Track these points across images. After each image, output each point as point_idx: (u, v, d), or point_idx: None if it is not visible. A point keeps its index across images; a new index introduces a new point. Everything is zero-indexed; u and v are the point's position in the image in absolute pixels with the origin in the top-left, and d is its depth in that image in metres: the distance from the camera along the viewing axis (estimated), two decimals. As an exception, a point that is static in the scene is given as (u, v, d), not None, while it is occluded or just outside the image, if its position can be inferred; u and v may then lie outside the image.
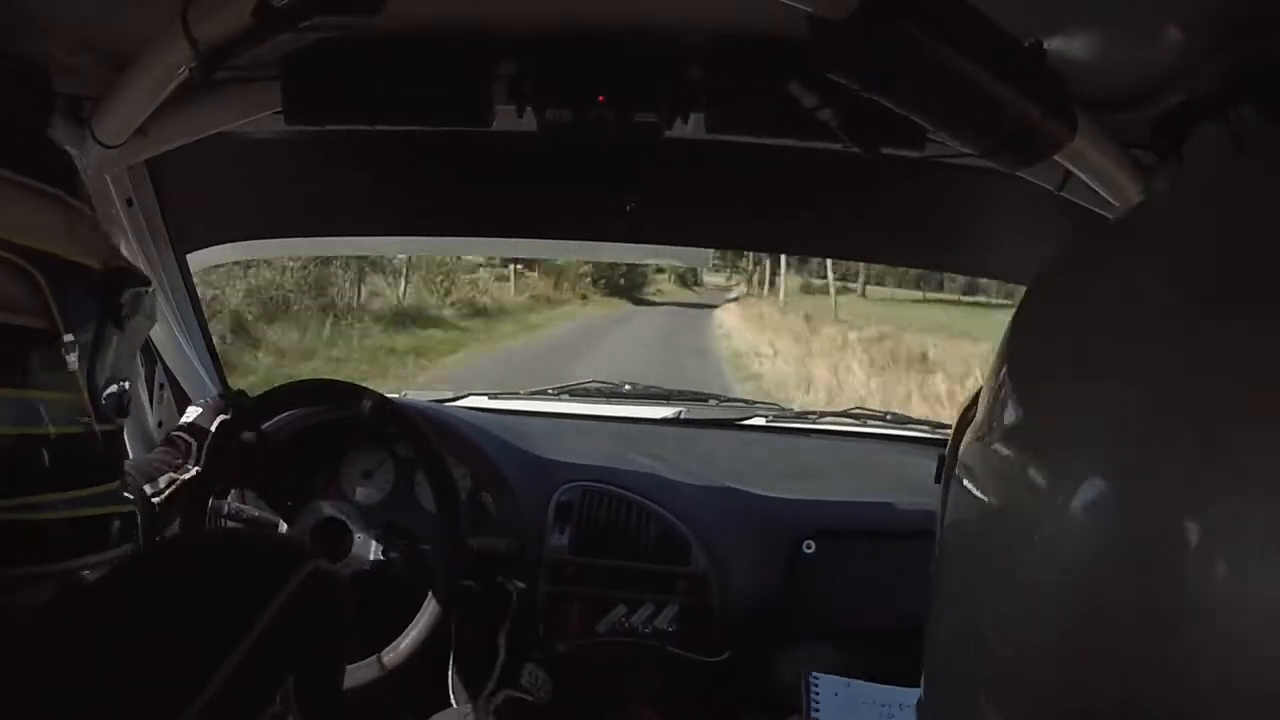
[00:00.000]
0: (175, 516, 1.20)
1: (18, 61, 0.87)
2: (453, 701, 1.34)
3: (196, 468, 1.23)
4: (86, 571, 0.63)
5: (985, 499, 0.46)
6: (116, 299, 0.66)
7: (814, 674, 1.20)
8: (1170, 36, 0.82)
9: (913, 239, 1.54)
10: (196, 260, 1.51)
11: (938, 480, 0.53)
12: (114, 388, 0.68)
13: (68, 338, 0.62)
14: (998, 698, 0.43)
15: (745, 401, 1.94)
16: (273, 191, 1.47)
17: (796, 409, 1.88)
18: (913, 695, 1.12)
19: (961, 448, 0.49)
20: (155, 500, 1.11)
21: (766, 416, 1.80)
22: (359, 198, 1.48)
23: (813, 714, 1.17)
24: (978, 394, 0.50)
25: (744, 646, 1.41)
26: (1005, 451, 0.45)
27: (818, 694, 1.20)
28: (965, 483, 0.47)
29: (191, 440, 1.26)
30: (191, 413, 1.32)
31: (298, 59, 1.04)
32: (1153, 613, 0.36)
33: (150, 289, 0.71)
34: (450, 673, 1.31)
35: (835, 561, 1.44)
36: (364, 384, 1.39)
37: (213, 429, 1.28)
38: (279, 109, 1.07)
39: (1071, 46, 0.86)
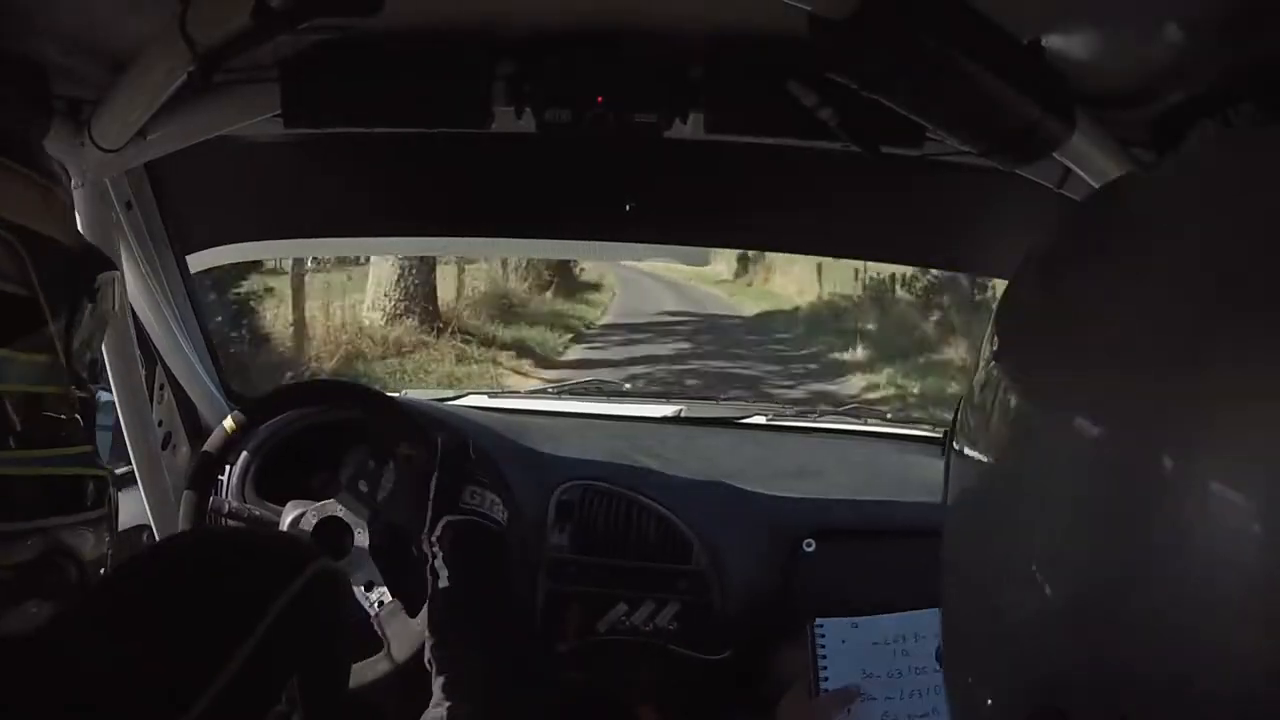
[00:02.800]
0: None
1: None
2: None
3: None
4: (64, 532, 0.65)
5: (980, 467, 0.47)
6: (90, 276, 0.70)
7: (819, 621, 1.15)
8: (1170, 35, 0.82)
9: (912, 238, 1.55)
10: (196, 260, 1.51)
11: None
12: (89, 356, 0.71)
13: (46, 305, 0.65)
14: (1011, 654, 0.45)
15: (745, 400, 1.94)
16: (272, 193, 1.47)
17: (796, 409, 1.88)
18: (925, 621, 1.09)
19: (957, 422, 0.51)
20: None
21: (767, 415, 1.80)
22: (359, 198, 1.48)
23: (820, 670, 1.12)
24: (956, 413, 0.52)
25: (745, 645, 1.41)
26: (998, 421, 0.46)
27: (824, 646, 1.13)
28: (965, 451, 0.49)
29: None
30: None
31: (297, 61, 1.04)
32: (1136, 568, 0.37)
33: (113, 266, 0.75)
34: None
35: (835, 560, 1.44)
36: None
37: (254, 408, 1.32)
38: (278, 112, 1.08)
39: (1070, 45, 0.86)
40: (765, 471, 1.60)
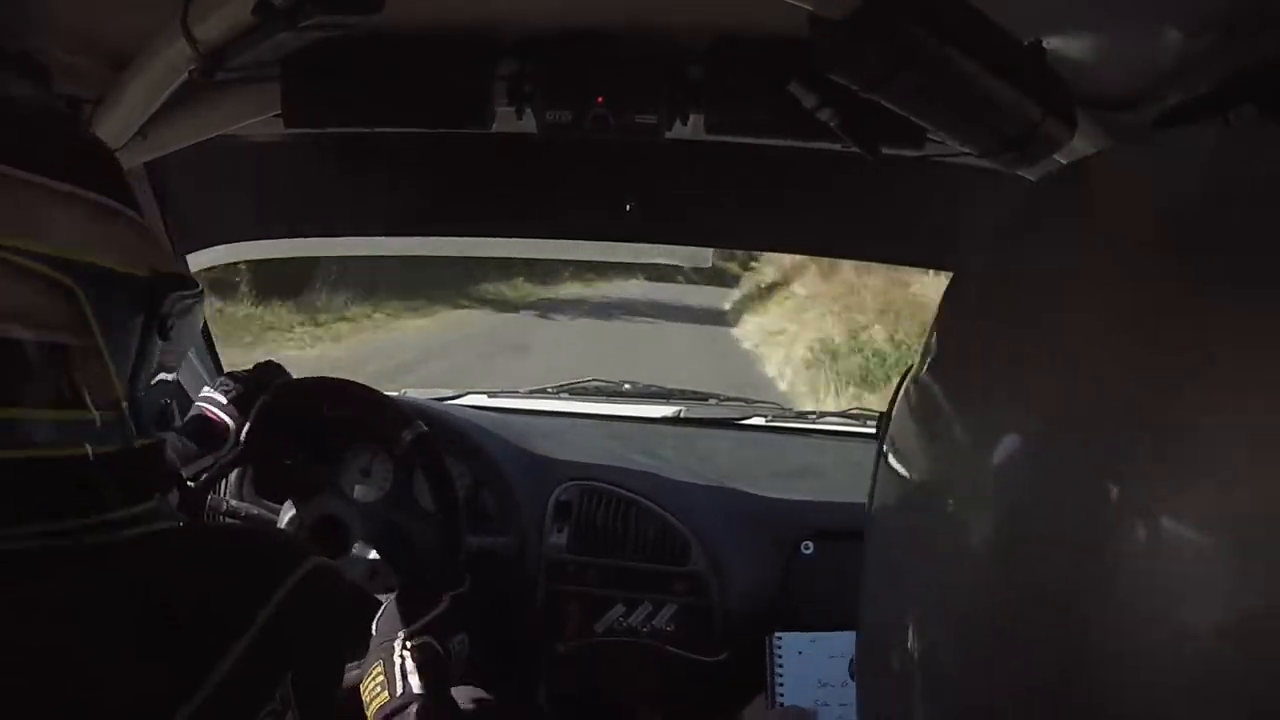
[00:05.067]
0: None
1: (33, 60, 0.86)
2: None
3: (235, 448, 1.20)
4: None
5: (909, 476, 0.45)
6: (160, 308, 0.62)
7: (777, 634, 1.17)
8: (1170, 36, 0.82)
9: (913, 239, 1.55)
10: (196, 260, 1.51)
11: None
12: (157, 402, 0.64)
13: (108, 353, 0.58)
14: (928, 675, 0.42)
15: (745, 401, 1.94)
16: (272, 192, 1.47)
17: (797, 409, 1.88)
18: None
19: (891, 426, 0.48)
20: (191, 484, 1.09)
21: (766, 416, 1.80)
22: (359, 198, 1.48)
23: (777, 681, 1.15)
24: (907, 372, 0.49)
25: (742, 646, 1.41)
26: (931, 428, 0.43)
27: (781, 658, 1.17)
28: (892, 460, 0.46)
29: (229, 422, 1.21)
30: (223, 387, 1.26)
31: (298, 60, 1.04)
32: (1071, 587, 0.35)
33: (199, 292, 0.66)
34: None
35: (834, 562, 1.44)
36: None
37: (255, 411, 1.25)
38: (279, 111, 1.08)
39: (1071, 46, 0.87)
40: (764, 472, 1.60)
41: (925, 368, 0.45)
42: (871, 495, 0.50)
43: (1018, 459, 0.37)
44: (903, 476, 0.45)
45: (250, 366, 1.36)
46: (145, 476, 0.63)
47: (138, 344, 0.61)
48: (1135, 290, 0.36)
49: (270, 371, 1.34)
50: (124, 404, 0.60)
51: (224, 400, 1.25)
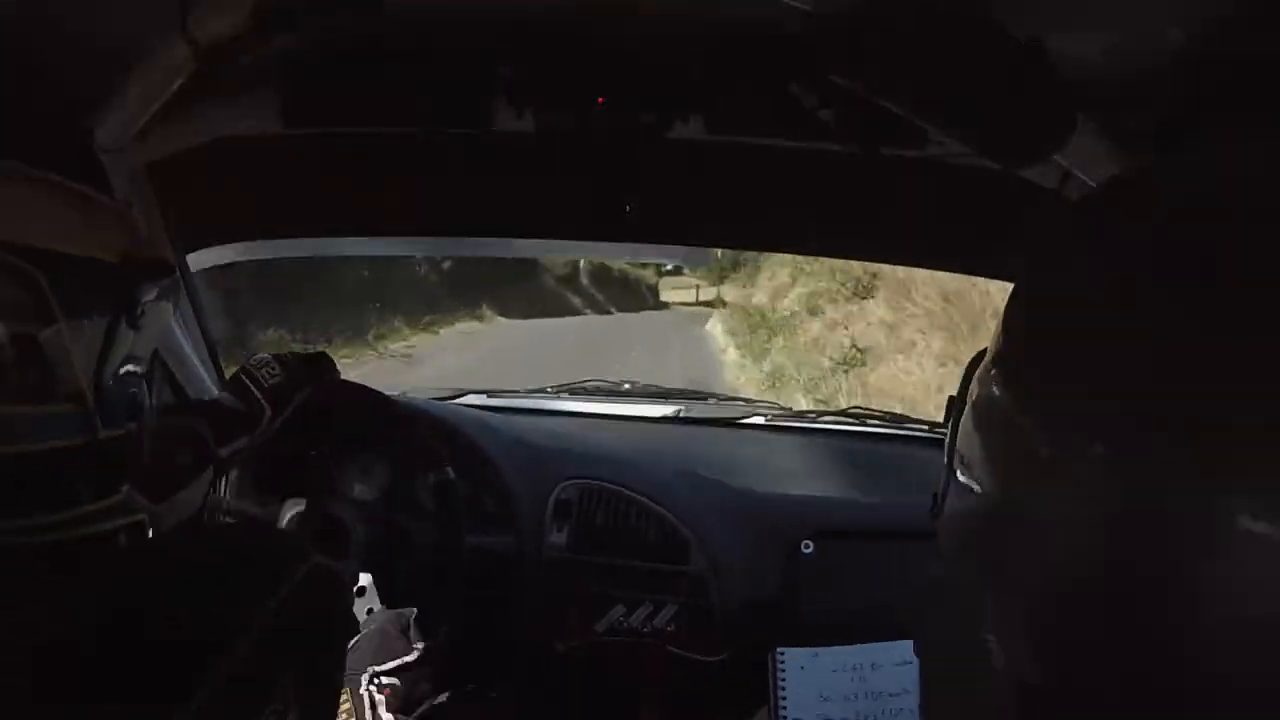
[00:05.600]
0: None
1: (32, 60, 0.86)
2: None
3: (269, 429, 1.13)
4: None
5: (981, 488, 0.43)
6: (132, 296, 0.61)
7: (780, 650, 1.17)
8: (1170, 36, 0.82)
9: (912, 239, 1.54)
10: (197, 260, 1.51)
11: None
12: (125, 392, 0.62)
13: (73, 344, 0.57)
14: (1006, 685, 0.42)
15: (745, 400, 1.95)
16: (273, 191, 1.47)
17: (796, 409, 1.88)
18: (883, 652, 1.12)
19: (959, 436, 0.47)
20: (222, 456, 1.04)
21: (766, 415, 1.80)
22: (359, 198, 1.48)
23: (780, 697, 1.15)
24: (966, 379, 0.48)
25: (743, 646, 1.41)
26: (1002, 438, 0.42)
27: (784, 673, 1.17)
28: (960, 473, 0.45)
29: (265, 409, 1.13)
30: (268, 370, 1.16)
31: (297, 60, 1.04)
32: (1148, 603, 0.34)
33: (172, 279, 0.65)
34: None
35: (834, 561, 1.44)
36: None
37: (293, 409, 1.18)
38: (279, 110, 1.08)
39: (1071, 46, 0.87)
40: (764, 472, 1.60)
41: (994, 371, 0.43)
42: (942, 500, 0.49)
43: (1094, 468, 0.36)
44: (973, 496, 0.44)
45: (297, 355, 1.27)
46: (113, 469, 0.62)
47: (104, 333, 0.59)
48: (1206, 294, 0.35)
49: (318, 368, 1.26)
50: (89, 396, 0.58)
51: (265, 385, 1.16)
